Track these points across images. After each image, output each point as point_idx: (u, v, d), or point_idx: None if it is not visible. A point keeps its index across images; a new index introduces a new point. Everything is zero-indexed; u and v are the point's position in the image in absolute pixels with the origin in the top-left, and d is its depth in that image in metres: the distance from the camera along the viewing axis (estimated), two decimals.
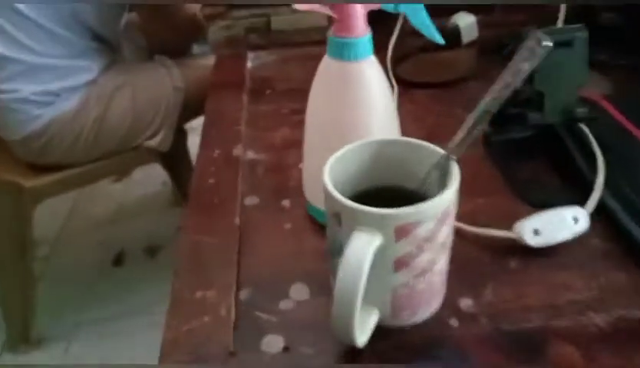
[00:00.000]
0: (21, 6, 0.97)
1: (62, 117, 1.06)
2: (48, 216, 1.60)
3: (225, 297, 0.38)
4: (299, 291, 0.39)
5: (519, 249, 0.41)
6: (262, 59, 0.79)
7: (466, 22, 0.77)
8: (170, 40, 1.15)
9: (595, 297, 0.37)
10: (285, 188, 0.51)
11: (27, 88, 1.02)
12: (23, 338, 1.25)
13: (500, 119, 0.55)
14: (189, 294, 0.39)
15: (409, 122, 0.62)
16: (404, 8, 0.39)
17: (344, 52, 0.38)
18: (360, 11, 0.37)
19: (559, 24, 0.64)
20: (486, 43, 0.76)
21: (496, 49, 0.73)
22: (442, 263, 0.34)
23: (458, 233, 0.43)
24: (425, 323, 0.36)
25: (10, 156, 1.11)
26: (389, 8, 0.39)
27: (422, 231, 0.31)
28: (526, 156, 0.52)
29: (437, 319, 0.37)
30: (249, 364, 0.34)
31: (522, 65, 0.32)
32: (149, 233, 1.59)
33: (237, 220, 0.46)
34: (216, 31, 0.87)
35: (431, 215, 0.31)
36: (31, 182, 1.09)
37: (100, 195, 1.76)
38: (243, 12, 0.86)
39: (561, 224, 0.41)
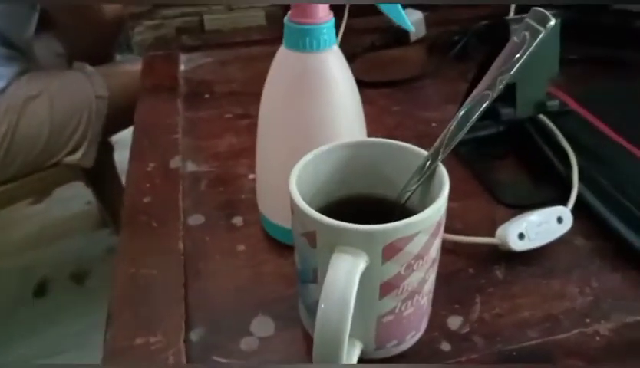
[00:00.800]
0: None
1: None
2: None
3: (173, 342, 0.31)
4: (262, 326, 0.33)
5: (504, 256, 0.37)
6: (196, 61, 0.72)
7: (413, 18, 0.74)
8: (91, 42, 1.04)
9: (593, 304, 0.34)
10: (235, 203, 0.44)
11: None
12: None
13: None
14: (127, 341, 0.31)
15: (368, 122, 0.57)
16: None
17: (304, 41, 0.32)
18: None
19: (511, 15, 0.62)
20: (435, 40, 0.73)
21: (445, 46, 0.70)
22: (431, 281, 0.30)
23: None
24: (413, 351, 0.31)
25: None
26: None
27: (414, 247, 0.26)
28: (496, 155, 0.49)
29: (426, 344, 0.32)
30: None
31: (521, 48, 0.27)
32: (74, 257, 1.44)
33: (180, 245, 0.39)
34: (142, 32, 0.79)
35: (426, 227, 0.26)
36: None
37: (19, 218, 1.59)
38: (173, 11, 0.78)
39: (546, 225, 0.38)
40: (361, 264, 0.25)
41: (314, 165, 0.30)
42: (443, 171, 0.29)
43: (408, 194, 0.31)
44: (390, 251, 0.26)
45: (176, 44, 0.76)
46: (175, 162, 0.49)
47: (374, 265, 0.26)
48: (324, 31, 0.33)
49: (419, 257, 0.27)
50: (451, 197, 0.43)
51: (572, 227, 0.39)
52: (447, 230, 0.39)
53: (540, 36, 0.26)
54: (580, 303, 0.34)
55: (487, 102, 0.28)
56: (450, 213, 0.42)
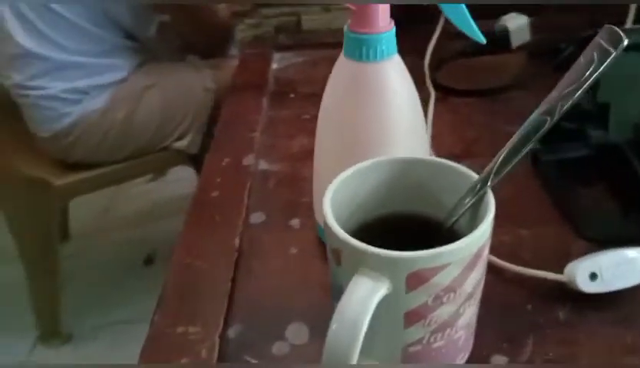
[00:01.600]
0: (56, 5, 0.96)
1: (90, 115, 1.04)
2: (84, 213, 1.61)
3: (209, 335, 0.33)
4: (297, 332, 0.33)
5: (572, 296, 0.34)
6: (288, 60, 0.74)
7: (516, 24, 0.69)
8: (203, 43, 1.12)
9: None
10: (297, 204, 0.45)
11: (55, 85, 1.01)
12: (53, 333, 1.25)
13: (553, 134, 0.47)
14: (170, 328, 0.33)
15: (446, 134, 0.55)
16: (441, 4, 0.32)
17: (362, 50, 0.32)
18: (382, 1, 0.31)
19: (628, 24, 0.55)
20: (538, 47, 0.67)
21: (549, 54, 0.64)
22: (468, 316, 0.27)
23: (495, 270, 0.36)
24: None
25: (40, 154, 1.10)
26: None
27: (443, 279, 0.24)
28: (584, 180, 0.44)
29: None
30: None
31: (587, 70, 0.24)
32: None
33: (237, 241, 0.40)
34: (244, 30, 0.83)
35: (457, 260, 0.24)
36: (59, 180, 1.08)
37: (136, 194, 1.76)
38: (272, 10, 0.81)
39: (626, 267, 0.33)
40: (381, 289, 0.24)
41: (355, 180, 0.30)
42: (490, 199, 0.27)
43: (454, 218, 0.29)
44: (416, 280, 0.24)
45: (272, 43, 0.78)
46: (248, 160, 0.50)
47: (397, 293, 0.25)
48: (383, 41, 0.32)
49: (450, 289, 0.25)
50: (523, 223, 0.41)
51: None
52: (512, 259, 0.36)
53: (609, 59, 0.23)
54: None
55: (544, 128, 0.25)
56: (519, 241, 0.39)
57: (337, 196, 0.29)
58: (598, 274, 0.33)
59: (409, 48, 0.69)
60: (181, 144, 1.12)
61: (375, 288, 0.24)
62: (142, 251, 1.53)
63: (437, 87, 0.63)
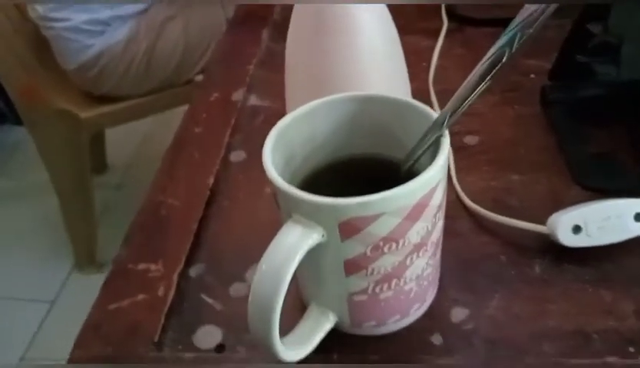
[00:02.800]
0: None
1: (113, 47, 1.04)
2: (123, 142, 1.65)
3: (168, 273, 0.32)
4: None
5: (553, 249, 0.31)
6: None
7: None
8: None
9: None
10: None
11: (78, 17, 1.01)
12: (89, 261, 1.32)
13: (564, 70, 0.42)
14: (132, 264, 0.33)
15: (451, 69, 0.50)
16: None
17: None
18: None
19: None
20: None
21: None
22: (418, 266, 0.26)
23: (474, 218, 0.34)
24: (399, 335, 0.28)
25: (68, 87, 1.12)
26: None
27: (378, 229, 0.23)
28: (593, 123, 0.39)
29: (416, 332, 0.28)
30: (168, 364, 0.28)
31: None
32: None
33: (211, 180, 0.39)
34: None
35: (392, 210, 0.22)
36: (86, 113, 1.10)
37: (175, 122, 1.78)
38: None
39: (615, 221, 0.30)
40: (312, 235, 0.23)
41: (311, 118, 0.27)
42: (444, 142, 0.24)
43: (410, 163, 0.26)
44: (349, 229, 0.23)
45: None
46: (237, 95, 0.49)
47: (332, 241, 0.23)
48: None
49: (389, 240, 0.23)
50: (519, 167, 0.38)
51: None
52: (497, 207, 0.34)
53: None
54: (629, 325, 0.27)
55: (503, 61, 0.22)
56: (508, 187, 0.36)
57: (288, 137, 0.27)
58: (582, 226, 0.30)
59: None
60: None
61: (305, 235, 0.23)
62: None
63: (452, 16, 0.57)
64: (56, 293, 1.31)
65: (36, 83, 1.09)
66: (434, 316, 0.29)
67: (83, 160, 1.16)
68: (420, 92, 0.42)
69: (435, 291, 0.29)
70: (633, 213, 0.30)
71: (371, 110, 0.28)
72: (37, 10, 1.02)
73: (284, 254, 0.22)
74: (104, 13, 1.01)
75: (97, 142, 1.50)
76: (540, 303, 0.29)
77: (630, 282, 0.29)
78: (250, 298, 0.23)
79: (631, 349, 0.26)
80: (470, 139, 0.41)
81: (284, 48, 0.57)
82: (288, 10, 0.64)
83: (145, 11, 1.05)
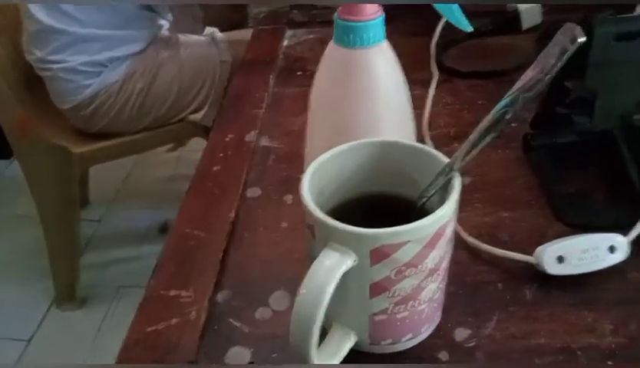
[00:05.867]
0: None
1: (109, 87, 1.08)
2: (104, 180, 1.66)
3: (199, 299, 0.36)
4: (279, 300, 0.36)
5: (540, 278, 0.36)
6: (299, 37, 0.75)
7: (528, 5, 0.69)
8: (226, 13, 1.13)
9: (623, 348, 0.31)
10: (292, 181, 0.47)
11: (75, 59, 1.04)
12: (69, 297, 1.31)
13: (544, 119, 0.48)
14: (164, 291, 0.36)
15: (443, 116, 0.56)
16: None
17: (349, 37, 0.33)
18: None
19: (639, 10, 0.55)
20: (549, 31, 0.67)
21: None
22: (430, 289, 0.30)
23: (471, 250, 0.38)
24: (410, 352, 0.32)
25: (61, 123, 1.14)
26: None
27: (403, 255, 0.27)
28: (572, 166, 0.45)
29: (425, 349, 0.32)
30: None
31: (549, 62, 0.26)
32: None
33: (232, 214, 0.43)
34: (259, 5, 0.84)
35: (417, 238, 0.27)
36: (79, 148, 1.12)
37: (156, 163, 1.81)
38: None
39: (593, 252, 0.35)
40: (347, 262, 0.27)
41: (337, 161, 0.32)
42: (456, 182, 0.29)
43: (424, 200, 0.31)
44: (379, 255, 0.27)
45: (285, 19, 0.80)
46: (250, 136, 0.53)
47: (362, 265, 0.27)
48: (370, 28, 0.33)
49: (411, 265, 0.27)
50: (507, 206, 0.43)
51: (631, 259, 0.35)
52: (491, 240, 0.38)
53: (566, 55, 0.24)
54: (608, 342, 0.32)
55: (506, 118, 0.27)
56: (499, 223, 0.41)
57: (318, 176, 0.31)
58: (565, 257, 0.35)
59: (419, 29, 0.70)
60: (196, 117, 1.15)
61: (341, 260, 0.27)
62: (158, 219, 1.58)
63: (442, 68, 0.64)
64: (33, 330, 1.29)
65: (29, 117, 1.11)
66: (441, 335, 0.33)
67: (72, 194, 1.17)
68: (417, 135, 0.47)
69: (441, 314, 0.33)
70: (607, 246, 0.35)
71: (390, 154, 0.32)
72: (36, 53, 1.05)
73: (323, 277, 0.26)
74: (102, 55, 1.05)
75: (82, 178, 1.51)
76: (532, 324, 0.33)
77: (608, 305, 0.34)
78: (293, 316, 0.27)
79: (610, 363, 0.31)
80: (464, 180, 0.45)
81: (289, 92, 0.62)
82: (290, 56, 0.70)
83: (142, 51, 1.09)
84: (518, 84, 0.27)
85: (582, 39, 0.24)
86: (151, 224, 1.57)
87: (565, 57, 0.25)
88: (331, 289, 0.26)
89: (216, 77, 1.13)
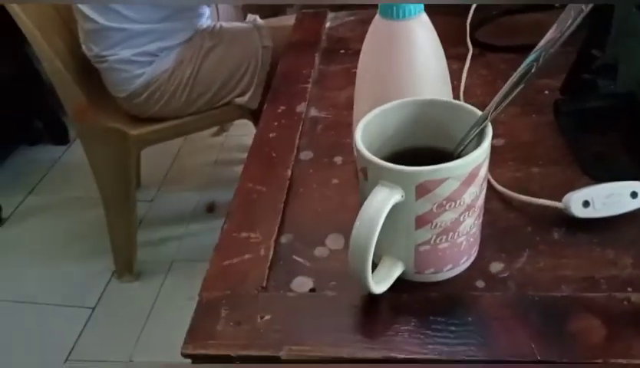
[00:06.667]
0: None
1: (161, 75, 1.16)
2: (154, 163, 1.76)
3: (266, 240, 0.42)
4: (335, 241, 0.41)
5: (567, 221, 0.40)
6: (341, 19, 0.80)
7: None
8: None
9: (639, 276, 0.35)
10: (340, 145, 0.52)
11: (129, 51, 1.12)
12: (128, 270, 1.41)
13: (573, 86, 0.52)
14: (236, 233, 0.43)
15: (477, 86, 0.60)
16: None
17: (393, 10, 0.38)
18: None
19: None
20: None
21: (596, 15, 0.67)
22: (468, 224, 0.35)
23: (504, 200, 0.43)
24: (450, 281, 0.37)
25: (117, 108, 1.23)
26: None
27: (443, 190, 0.32)
28: (598, 128, 0.49)
29: (464, 279, 0.37)
30: (275, 299, 0.37)
31: (567, 22, 0.30)
32: None
33: (289, 172, 0.49)
34: None
35: (455, 175, 0.31)
36: (134, 131, 1.21)
37: (202, 147, 1.90)
38: None
39: (616, 198, 0.39)
40: (395, 196, 0.32)
41: (385, 117, 0.37)
42: (488, 130, 0.33)
43: (462, 147, 0.36)
44: (422, 190, 0.32)
45: (328, 2, 0.85)
46: (300, 107, 0.58)
47: (409, 200, 0.32)
48: (411, 1, 0.38)
49: (450, 199, 0.32)
50: (537, 162, 0.47)
51: None
52: (522, 190, 0.43)
53: (581, 16, 0.29)
54: (628, 273, 0.36)
55: (531, 73, 0.31)
56: (530, 177, 0.45)
57: (368, 129, 0.36)
58: (590, 202, 0.39)
59: (454, 9, 0.74)
60: (242, 100, 1.21)
61: (390, 194, 0.32)
62: (205, 200, 1.67)
63: (476, 44, 0.68)
64: (96, 300, 1.40)
65: (89, 103, 1.20)
66: (477, 268, 0.38)
67: (129, 174, 1.26)
68: None
69: (477, 250, 0.38)
70: (629, 192, 0.39)
71: (429, 111, 0.37)
72: (93, 49, 1.14)
73: (376, 209, 0.31)
74: (152, 45, 1.13)
75: (135, 161, 1.61)
76: (559, 259, 0.38)
77: (628, 244, 0.38)
78: (351, 243, 0.32)
79: (629, 289, 0.35)
80: (497, 142, 0.50)
81: (333, 70, 0.67)
82: (333, 37, 0.75)
83: (189, 40, 1.17)
84: (541, 43, 0.32)
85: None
86: (198, 204, 1.66)
87: (580, 17, 0.29)
88: (382, 218, 0.31)
89: (258, 61, 1.20)
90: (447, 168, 0.31)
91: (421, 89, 0.40)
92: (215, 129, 1.89)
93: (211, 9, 1.23)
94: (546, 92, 0.56)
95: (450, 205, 0.33)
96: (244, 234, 0.42)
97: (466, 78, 0.61)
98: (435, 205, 0.32)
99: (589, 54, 0.47)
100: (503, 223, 0.41)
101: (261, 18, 1.26)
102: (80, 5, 1.10)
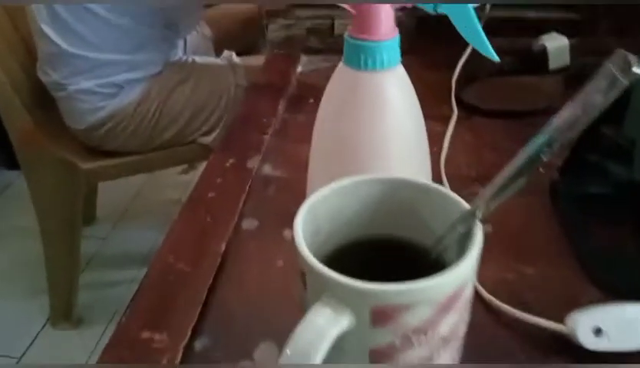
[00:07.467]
0: (93, 5, 0.97)
1: (124, 108, 1.05)
2: (113, 196, 1.64)
3: (173, 345, 0.31)
4: (265, 353, 0.31)
5: (574, 350, 0.30)
6: (315, 64, 0.72)
7: (556, 45, 0.65)
8: (236, 33, 1.12)
9: None
10: (293, 214, 0.42)
11: (91, 82, 1.02)
12: (64, 316, 1.27)
13: (575, 166, 0.43)
14: (135, 332, 0.32)
15: (460, 154, 0.51)
16: (445, 9, 0.30)
17: (360, 58, 0.30)
18: (384, 7, 0.28)
19: None
20: (577, 72, 0.63)
21: (588, 80, 0.60)
22: (444, 361, 0.25)
23: (489, 311, 0.33)
24: None
25: (71, 137, 1.12)
26: (429, 7, 0.30)
27: (412, 319, 0.22)
28: (605, 221, 0.40)
29: None
30: None
31: (595, 97, 0.21)
32: None
33: (223, 246, 0.38)
34: (275, 30, 0.81)
35: (428, 299, 0.22)
36: (87, 164, 1.09)
37: (166, 184, 1.78)
38: (307, 12, 0.79)
39: (636, 324, 0.30)
40: (342, 322, 0.22)
41: (337, 197, 0.27)
42: (477, 234, 0.24)
43: (441, 248, 0.26)
44: (381, 316, 0.22)
45: (302, 46, 0.77)
46: (252, 162, 0.49)
47: (361, 327, 0.22)
48: (384, 49, 0.29)
49: (420, 331, 0.22)
50: (531, 260, 0.37)
51: None
52: (512, 300, 0.33)
53: (616, 89, 0.20)
54: None
55: (542, 162, 0.22)
56: (523, 281, 0.36)
57: (315, 213, 0.27)
58: (603, 329, 0.29)
59: (440, 62, 0.67)
60: (207, 139, 1.12)
61: (335, 320, 0.22)
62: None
63: (462, 105, 0.60)
64: (24, 348, 1.24)
65: (38, 128, 1.09)
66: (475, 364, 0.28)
67: (76, 210, 1.14)
68: (432, 175, 0.43)
69: None
70: None
71: (400, 193, 0.28)
72: (51, 75, 1.03)
73: (312, 339, 0.21)
74: (119, 77, 1.03)
75: (89, 192, 1.49)
76: None
77: None
78: None
79: None
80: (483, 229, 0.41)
81: (299, 120, 0.58)
82: (304, 83, 0.66)
83: (159, 73, 1.08)
84: (556, 122, 0.23)
85: (638, 69, 0.20)
86: (155, 245, 1.54)
87: (616, 91, 0.20)
88: (320, 355, 0.21)
89: (230, 100, 1.11)
90: (419, 288, 0.21)
91: (391, 160, 0.31)
92: (183, 166, 1.79)
93: (183, 42, 1.15)
94: (541, 170, 0.47)
95: (419, 339, 0.23)
96: (145, 335, 0.32)
97: (449, 145, 0.52)
98: (399, 338, 0.22)
99: (598, 131, 0.39)
100: (490, 346, 0.31)
101: (237, 56, 1.18)
102: (43, 26, 1.00)
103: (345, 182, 0.27)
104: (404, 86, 0.31)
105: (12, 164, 1.81)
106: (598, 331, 0.29)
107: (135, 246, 1.55)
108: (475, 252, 0.23)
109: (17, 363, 1.21)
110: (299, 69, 0.71)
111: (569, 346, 0.30)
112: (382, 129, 0.30)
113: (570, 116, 0.22)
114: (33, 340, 1.26)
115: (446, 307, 0.22)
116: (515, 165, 0.23)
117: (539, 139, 0.23)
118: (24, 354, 1.23)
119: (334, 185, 0.27)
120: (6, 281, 1.39)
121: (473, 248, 0.23)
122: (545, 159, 0.22)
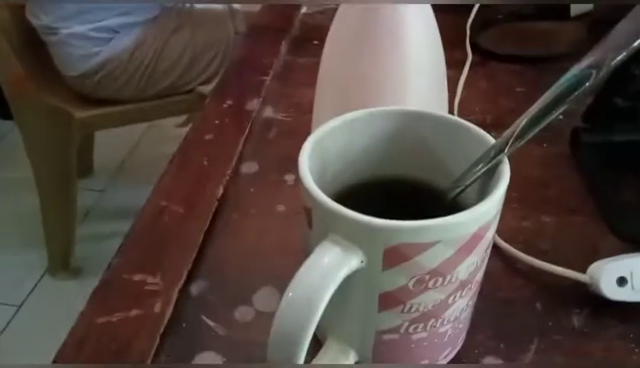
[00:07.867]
0: None
1: (119, 55, 1.01)
2: (110, 150, 1.61)
3: (168, 288, 0.29)
4: (265, 298, 0.29)
5: (592, 300, 0.28)
6: (319, 6, 0.68)
7: None
8: None
9: None
10: (295, 159, 0.40)
11: (84, 26, 0.97)
12: (63, 266, 1.26)
13: (599, 112, 0.41)
14: (127, 274, 0.30)
15: (476, 101, 0.48)
16: None
17: None
18: None
19: None
20: (600, 19, 0.59)
21: (613, 26, 0.57)
22: (459, 307, 0.23)
23: (505, 259, 0.31)
24: None
25: (64, 85, 1.08)
26: None
27: (428, 259, 0.20)
28: (629, 170, 0.37)
29: None
30: None
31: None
32: None
33: (220, 190, 0.36)
34: None
35: (449, 238, 0.19)
36: (81, 113, 1.06)
37: (165, 137, 1.75)
38: None
39: None
40: (351, 262, 0.20)
41: (348, 131, 0.25)
42: (504, 169, 0.22)
43: (460, 188, 0.24)
44: (395, 256, 0.20)
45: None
46: (252, 105, 0.46)
47: (372, 268, 0.20)
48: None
49: (437, 273, 0.20)
50: (549, 210, 0.35)
51: None
52: (529, 249, 0.31)
53: None
54: None
55: (587, 84, 0.20)
56: (540, 229, 0.34)
57: (321, 149, 0.24)
58: (628, 279, 0.27)
59: (454, 5, 0.63)
60: (205, 88, 1.08)
61: (344, 259, 0.20)
62: None
63: (477, 49, 0.56)
64: (24, 297, 1.25)
65: (30, 76, 1.05)
66: (463, 364, 0.26)
67: (70, 161, 1.12)
68: None
69: (465, 335, 0.26)
70: None
71: (416, 128, 0.25)
72: (42, 18, 0.98)
73: (318, 280, 0.19)
74: (113, 20, 0.98)
75: (86, 144, 1.46)
76: (580, 359, 0.26)
77: None
78: (275, 325, 0.20)
79: None
80: None
81: (302, 62, 0.55)
82: (308, 24, 0.62)
83: (154, 19, 1.03)
84: (602, 45, 0.20)
85: None
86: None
87: None
88: (327, 296, 0.19)
89: (229, 47, 1.07)
90: (439, 226, 0.19)
91: (409, 101, 0.28)
92: (182, 118, 1.75)
93: None
94: (560, 117, 0.44)
95: (435, 282, 0.21)
96: (138, 277, 0.30)
97: (463, 90, 0.49)
98: (412, 281, 0.20)
99: (629, 72, 0.36)
100: (504, 294, 0.29)
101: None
102: None
103: (358, 113, 0.25)
104: (425, 20, 0.28)
105: (5, 114, 1.77)
106: (622, 280, 0.27)
107: (133, 199, 1.53)
108: (502, 189, 0.21)
109: (16, 310, 1.21)
110: (303, 9, 0.67)
111: (587, 296, 0.28)
112: (400, 62, 0.27)
113: (619, 38, 0.19)
114: (32, 289, 1.26)
115: (467, 247, 0.20)
116: (553, 92, 0.21)
117: (585, 62, 0.20)
118: (24, 302, 1.23)
119: (346, 117, 0.24)
120: (4, 232, 1.38)
121: (500, 184, 0.21)
122: (590, 83, 0.20)
